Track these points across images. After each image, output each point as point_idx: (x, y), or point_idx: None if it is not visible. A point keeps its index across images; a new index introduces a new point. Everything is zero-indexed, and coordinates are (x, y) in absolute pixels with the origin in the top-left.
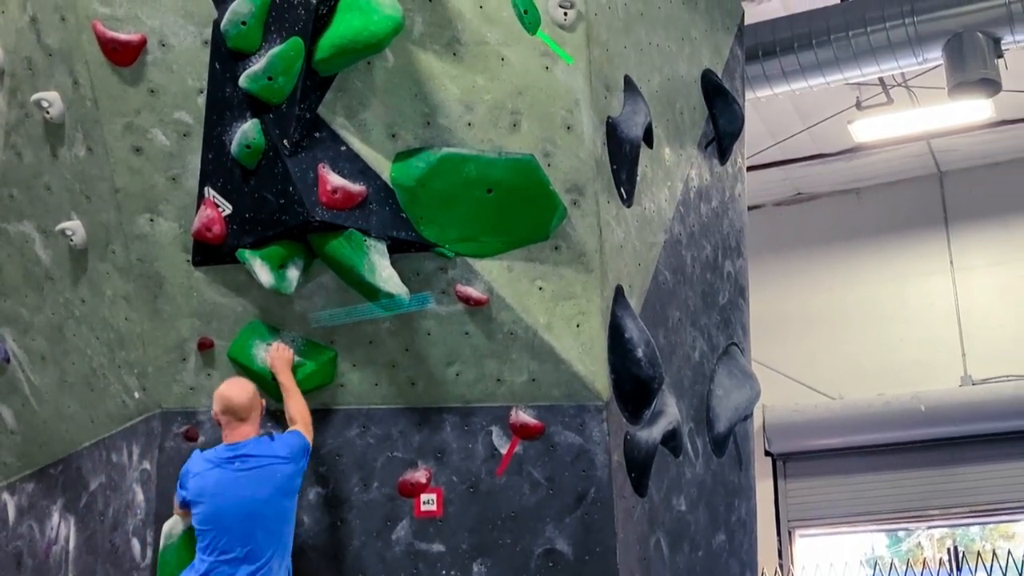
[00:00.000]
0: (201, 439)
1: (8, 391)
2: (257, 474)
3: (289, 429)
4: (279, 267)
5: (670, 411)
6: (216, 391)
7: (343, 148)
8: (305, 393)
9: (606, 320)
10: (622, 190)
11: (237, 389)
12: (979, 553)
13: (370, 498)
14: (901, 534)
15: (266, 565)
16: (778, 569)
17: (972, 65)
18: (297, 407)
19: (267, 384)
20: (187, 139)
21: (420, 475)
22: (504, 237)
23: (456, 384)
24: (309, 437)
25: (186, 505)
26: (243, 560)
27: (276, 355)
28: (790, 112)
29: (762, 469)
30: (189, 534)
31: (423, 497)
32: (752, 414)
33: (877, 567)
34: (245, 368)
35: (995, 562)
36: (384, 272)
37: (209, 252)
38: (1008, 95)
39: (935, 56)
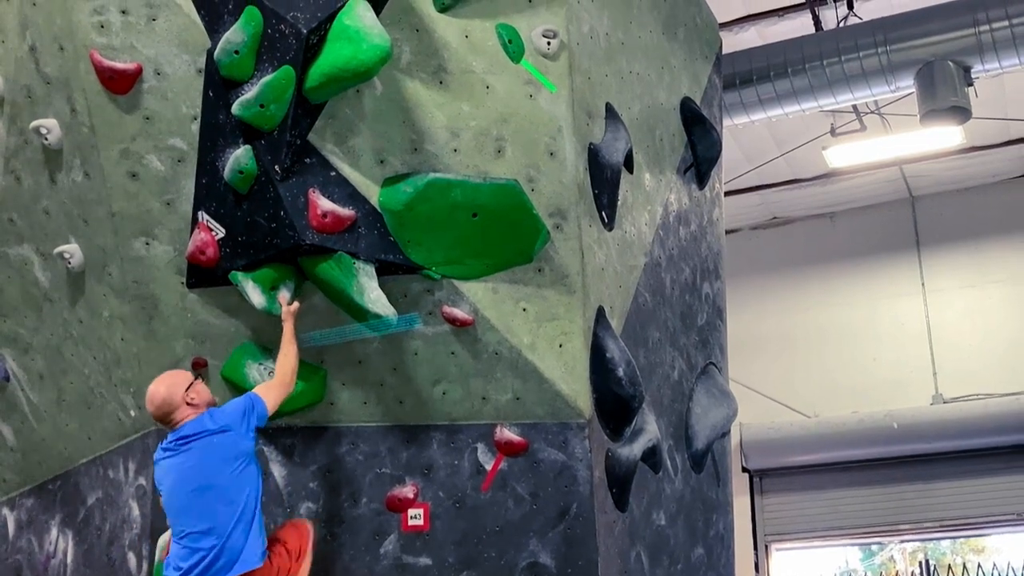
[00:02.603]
0: None
1: (8, 409)
2: (196, 451)
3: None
4: (271, 289)
5: (650, 429)
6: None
7: (333, 173)
8: (296, 411)
9: (588, 340)
10: (604, 214)
11: (151, 394)
12: (950, 567)
13: (359, 513)
14: (874, 548)
15: (230, 536)
16: None
17: (943, 93)
18: (280, 364)
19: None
20: (181, 165)
21: (408, 491)
22: (489, 260)
23: (442, 402)
24: (273, 394)
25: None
26: (205, 534)
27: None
28: (766, 138)
29: (739, 485)
30: None
31: (410, 512)
32: (729, 431)
33: None
34: (238, 387)
35: (965, 575)
36: (373, 294)
37: (203, 274)
38: (978, 122)
39: (907, 84)
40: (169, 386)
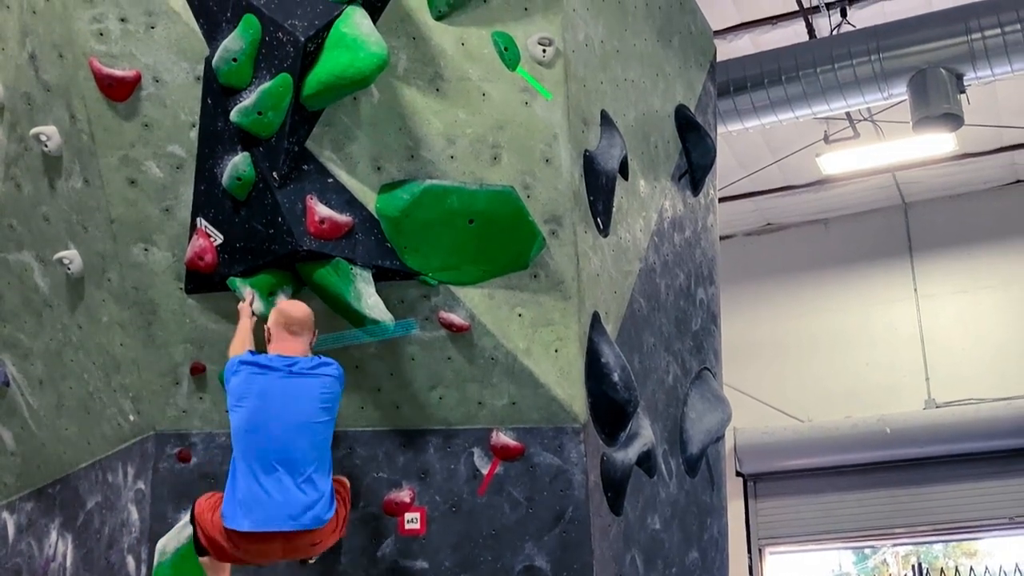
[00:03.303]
0: (194, 460)
1: (8, 414)
2: (310, 384)
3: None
4: (268, 295)
5: (645, 433)
6: (287, 306)
7: (330, 180)
8: None
9: (583, 346)
10: (599, 220)
11: (299, 307)
12: (942, 570)
13: (356, 517)
14: (867, 551)
15: (309, 477)
16: None
17: (935, 100)
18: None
19: None
20: (180, 171)
21: (404, 495)
22: (485, 266)
23: (439, 407)
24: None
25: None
26: (286, 469)
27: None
28: (760, 145)
29: (733, 489)
30: (182, 552)
31: (407, 516)
32: (724, 436)
33: None
34: None
35: None
36: (370, 299)
37: (201, 280)
38: (970, 129)
39: (900, 92)
40: (311, 319)
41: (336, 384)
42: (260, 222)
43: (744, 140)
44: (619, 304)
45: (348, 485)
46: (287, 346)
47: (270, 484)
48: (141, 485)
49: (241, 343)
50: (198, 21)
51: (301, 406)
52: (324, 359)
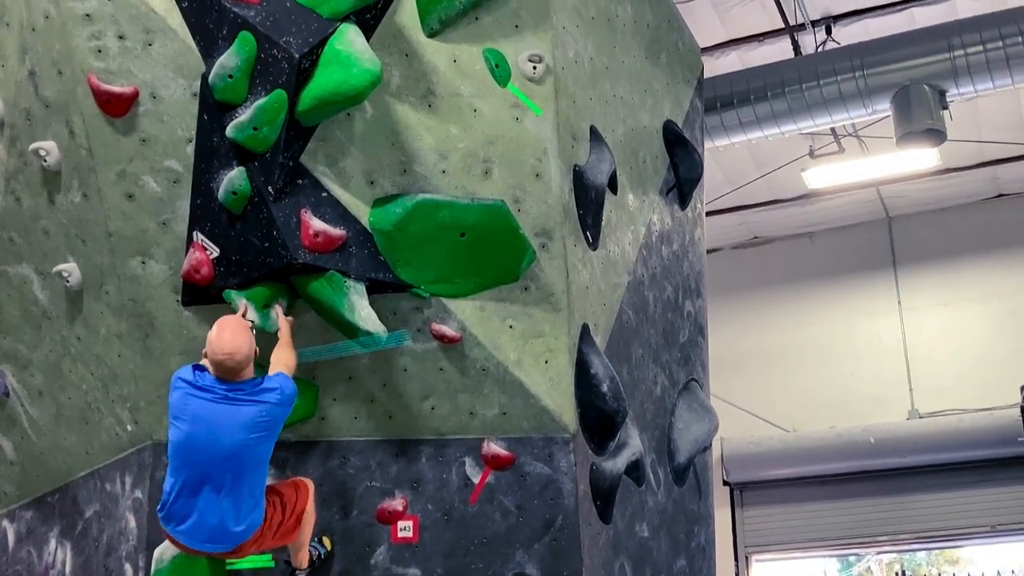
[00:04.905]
0: None
1: (8, 424)
2: (244, 412)
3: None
4: (264, 307)
5: (633, 443)
6: (213, 338)
7: (324, 194)
8: (288, 426)
9: (573, 357)
10: (588, 234)
11: (235, 343)
12: None
13: (350, 525)
14: (852, 559)
15: (234, 502)
16: None
17: (919, 116)
18: (286, 357)
19: None
20: (177, 186)
21: (397, 503)
22: (476, 278)
23: (431, 417)
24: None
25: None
26: (212, 491)
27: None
28: (747, 160)
29: (720, 498)
30: (179, 560)
31: (400, 524)
32: (711, 446)
33: None
34: None
35: None
36: (363, 312)
37: (197, 293)
38: (953, 144)
39: (884, 107)
40: (251, 348)
41: (276, 409)
42: (255, 235)
43: (731, 155)
44: (608, 316)
45: (309, 489)
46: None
47: (194, 504)
48: (139, 494)
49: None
50: (195, 38)
51: (232, 434)
52: (271, 379)
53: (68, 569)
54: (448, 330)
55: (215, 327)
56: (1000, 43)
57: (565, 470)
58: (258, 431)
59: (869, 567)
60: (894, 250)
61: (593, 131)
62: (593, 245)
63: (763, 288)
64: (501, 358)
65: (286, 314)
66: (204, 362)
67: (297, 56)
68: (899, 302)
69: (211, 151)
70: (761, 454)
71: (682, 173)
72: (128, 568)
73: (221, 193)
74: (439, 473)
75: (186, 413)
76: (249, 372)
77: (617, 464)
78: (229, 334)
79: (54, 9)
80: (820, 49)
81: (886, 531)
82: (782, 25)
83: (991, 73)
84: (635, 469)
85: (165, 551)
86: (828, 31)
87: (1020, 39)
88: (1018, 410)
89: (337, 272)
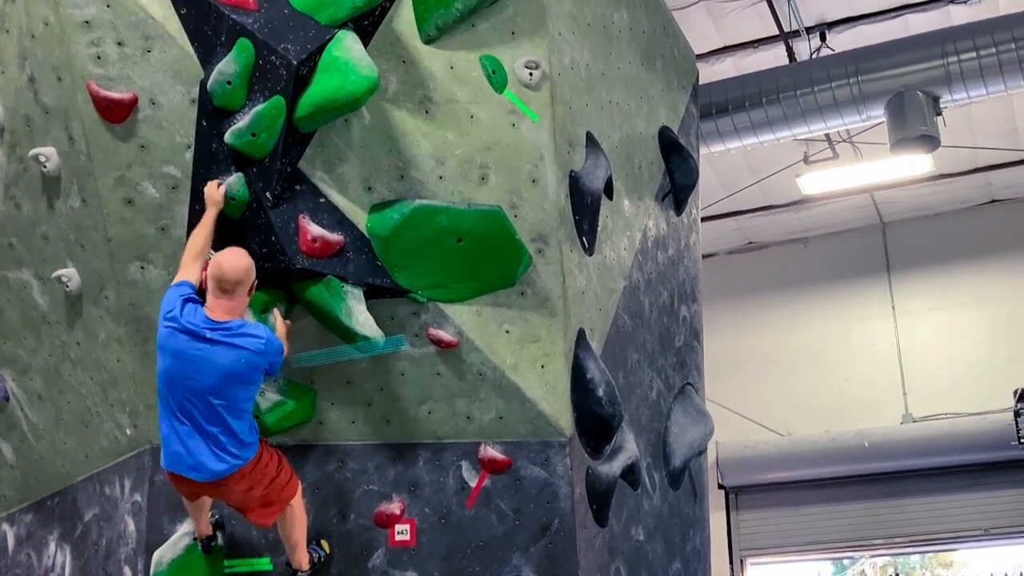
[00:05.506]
0: None
1: (7, 428)
2: (221, 354)
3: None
4: (262, 312)
5: (629, 447)
6: (219, 254)
7: (322, 200)
8: (286, 430)
9: (569, 361)
10: (584, 239)
11: (234, 262)
12: None
13: (348, 528)
14: (846, 562)
15: (215, 437)
16: None
17: (913, 122)
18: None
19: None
20: (175, 192)
21: (394, 507)
22: (473, 284)
23: (428, 421)
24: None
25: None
26: (192, 425)
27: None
28: (741, 166)
29: (715, 501)
30: (178, 563)
31: (397, 527)
32: (706, 450)
33: None
34: None
35: None
36: (361, 316)
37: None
38: (946, 150)
39: (878, 114)
40: (248, 272)
41: (255, 357)
42: (254, 241)
43: (726, 161)
44: (604, 321)
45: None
46: (218, 304)
47: (180, 432)
48: (138, 497)
49: (201, 237)
50: (193, 45)
51: (207, 375)
52: (254, 326)
53: (67, 572)
54: (445, 335)
55: (220, 256)
56: (993, 50)
57: (561, 474)
58: (233, 378)
59: (863, 570)
60: (888, 255)
61: (589, 137)
62: (589, 250)
63: (758, 293)
64: (498, 362)
65: (284, 319)
66: (208, 297)
67: (295, 62)
68: (893, 307)
69: (210, 157)
70: (756, 458)
71: (677, 179)
72: (127, 571)
73: None
74: (436, 477)
75: (168, 348)
76: (241, 309)
77: (613, 468)
78: (236, 255)
79: (53, 16)
80: (814, 55)
81: (880, 534)
82: (777, 32)
83: (984, 79)
84: (631, 473)
85: (164, 554)
86: (822, 38)
87: (1013, 46)
88: (1011, 414)
89: (335, 277)
